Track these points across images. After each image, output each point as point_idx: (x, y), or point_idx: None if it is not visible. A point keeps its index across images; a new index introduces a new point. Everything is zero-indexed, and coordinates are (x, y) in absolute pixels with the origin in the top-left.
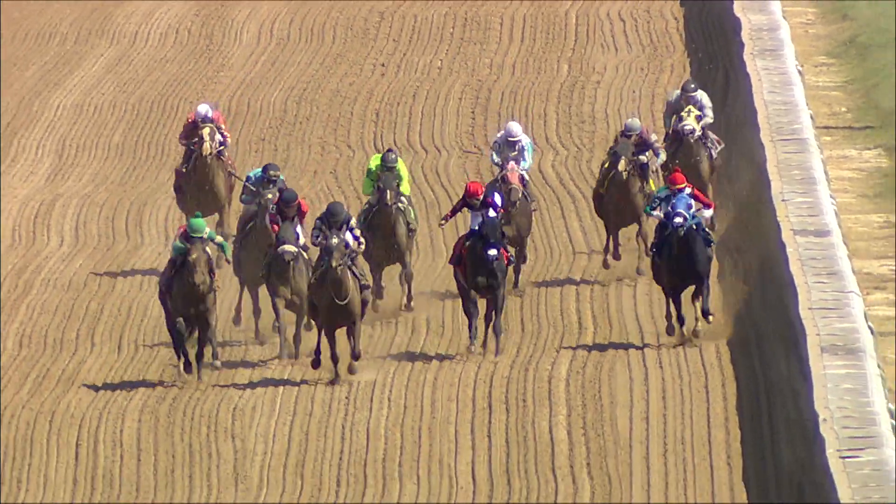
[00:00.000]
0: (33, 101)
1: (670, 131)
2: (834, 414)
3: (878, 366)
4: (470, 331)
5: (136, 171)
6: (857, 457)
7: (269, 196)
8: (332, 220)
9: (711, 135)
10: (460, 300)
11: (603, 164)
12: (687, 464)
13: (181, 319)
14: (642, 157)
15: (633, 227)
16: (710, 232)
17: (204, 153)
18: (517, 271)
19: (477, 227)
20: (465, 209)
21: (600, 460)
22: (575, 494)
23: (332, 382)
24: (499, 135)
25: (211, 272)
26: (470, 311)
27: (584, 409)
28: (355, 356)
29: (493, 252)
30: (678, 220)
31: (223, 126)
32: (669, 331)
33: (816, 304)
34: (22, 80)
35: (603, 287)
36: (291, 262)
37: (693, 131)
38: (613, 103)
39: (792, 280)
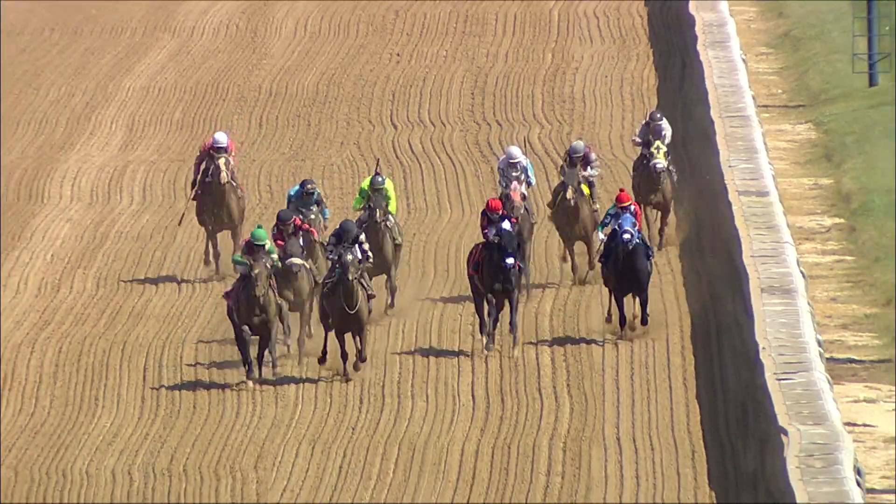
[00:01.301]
0: (108, 85)
1: (638, 158)
2: (771, 343)
3: (808, 304)
4: (482, 330)
5: (193, 142)
6: (791, 379)
7: (310, 213)
8: (345, 236)
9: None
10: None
11: (555, 189)
12: (650, 385)
13: (247, 328)
14: (591, 174)
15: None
16: (651, 247)
17: (221, 182)
18: (523, 279)
19: (494, 238)
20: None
21: (578, 382)
22: (557, 410)
23: (344, 377)
24: (501, 159)
25: (272, 286)
26: (482, 312)
27: (564, 339)
28: (362, 359)
29: (510, 261)
30: (626, 236)
31: (233, 153)
32: (608, 319)
33: (757, 253)
34: (98, 66)
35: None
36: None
37: (664, 168)
38: (589, 86)
39: (737, 232)
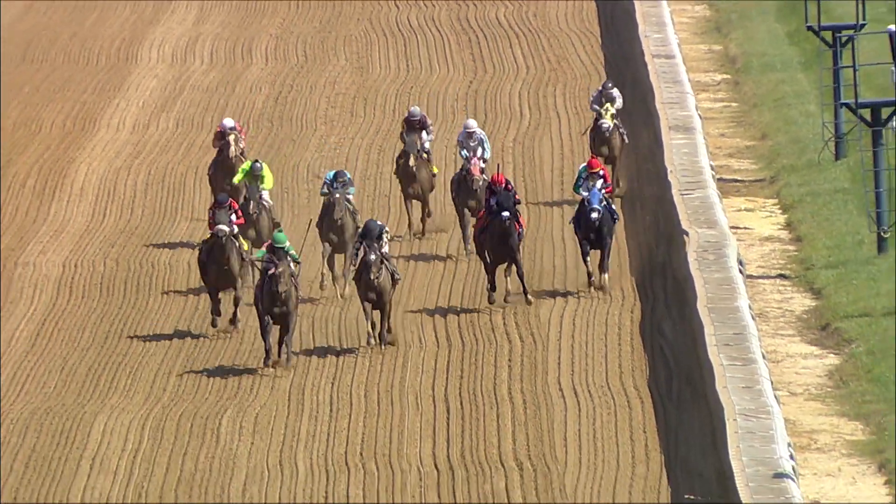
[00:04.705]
0: None
1: (593, 123)
2: (677, 167)
3: (704, 138)
4: (489, 284)
5: (246, 20)
6: (691, 193)
7: (338, 195)
8: (368, 235)
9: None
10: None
11: (398, 157)
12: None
13: (269, 318)
14: (427, 144)
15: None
16: (616, 211)
17: (231, 155)
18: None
19: (493, 204)
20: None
21: (534, 197)
22: None
23: (378, 345)
24: (460, 132)
25: (295, 285)
26: (490, 270)
27: (522, 165)
28: (388, 331)
29: (505, 213)
30: (594, 214)
31: (242, 136)
32: (591, 281)
33: (666, 100)
34: None
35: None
36: (225, 241)
37: (609, 128)
38: None
39: (651, 86)
